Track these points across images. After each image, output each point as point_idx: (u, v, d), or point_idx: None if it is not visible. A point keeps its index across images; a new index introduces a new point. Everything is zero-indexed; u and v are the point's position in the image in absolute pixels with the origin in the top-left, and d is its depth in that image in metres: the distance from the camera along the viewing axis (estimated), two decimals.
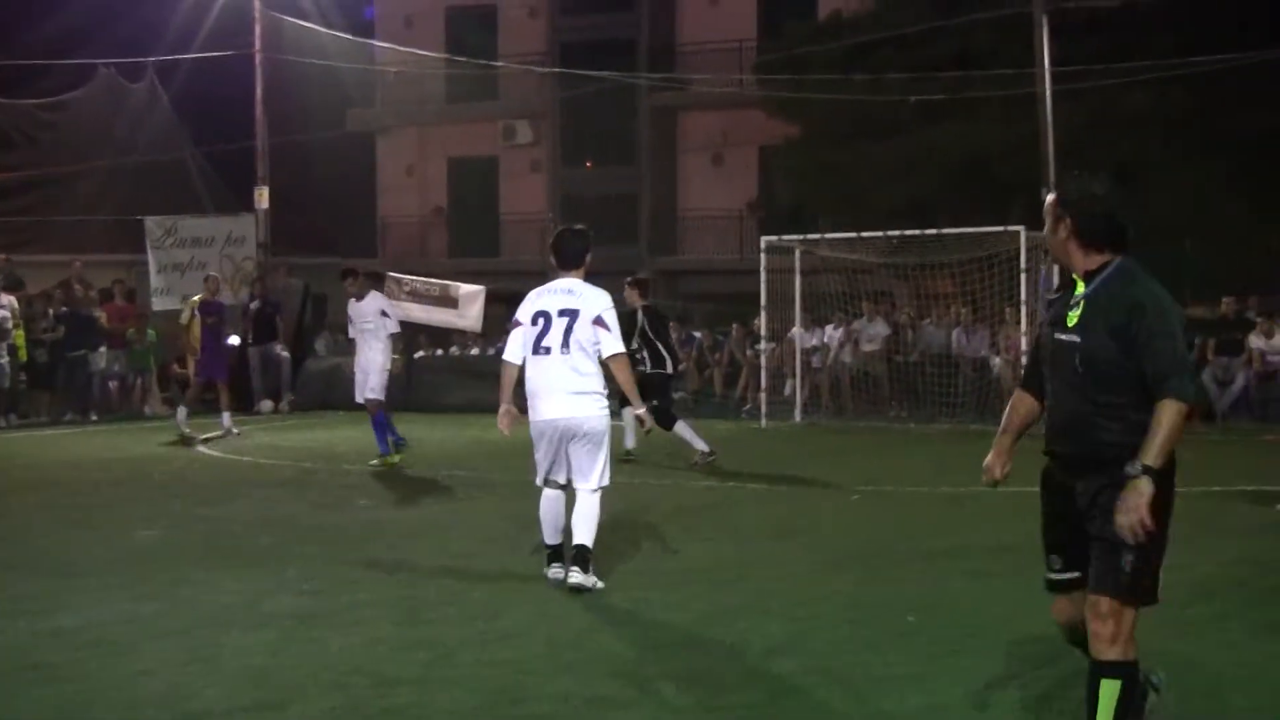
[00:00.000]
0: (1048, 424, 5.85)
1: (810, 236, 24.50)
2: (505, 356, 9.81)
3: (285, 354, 28.11)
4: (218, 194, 35.05)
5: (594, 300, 9.66)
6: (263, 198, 30.72)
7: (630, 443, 17.53)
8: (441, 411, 25.92)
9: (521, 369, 9.71)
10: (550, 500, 9.88)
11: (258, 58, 31.30)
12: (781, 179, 35.97)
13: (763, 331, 24.67)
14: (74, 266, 27.70)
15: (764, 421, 23.46)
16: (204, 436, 21.57)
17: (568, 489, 9.84)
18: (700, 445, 17.24)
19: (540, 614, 8.98)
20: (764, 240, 24.61)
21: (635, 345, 16.97)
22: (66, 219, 33.58)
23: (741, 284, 27.67)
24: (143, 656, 8.00)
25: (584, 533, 9.59)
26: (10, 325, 24.44)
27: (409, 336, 29.72)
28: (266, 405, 27.35)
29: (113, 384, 26.69)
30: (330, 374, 28.21)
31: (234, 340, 26.36)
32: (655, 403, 16.11)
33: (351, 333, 18.46)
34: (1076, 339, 5.63)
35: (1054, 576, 5.92)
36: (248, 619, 8.95)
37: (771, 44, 36.04)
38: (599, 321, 9.58)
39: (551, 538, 9.92)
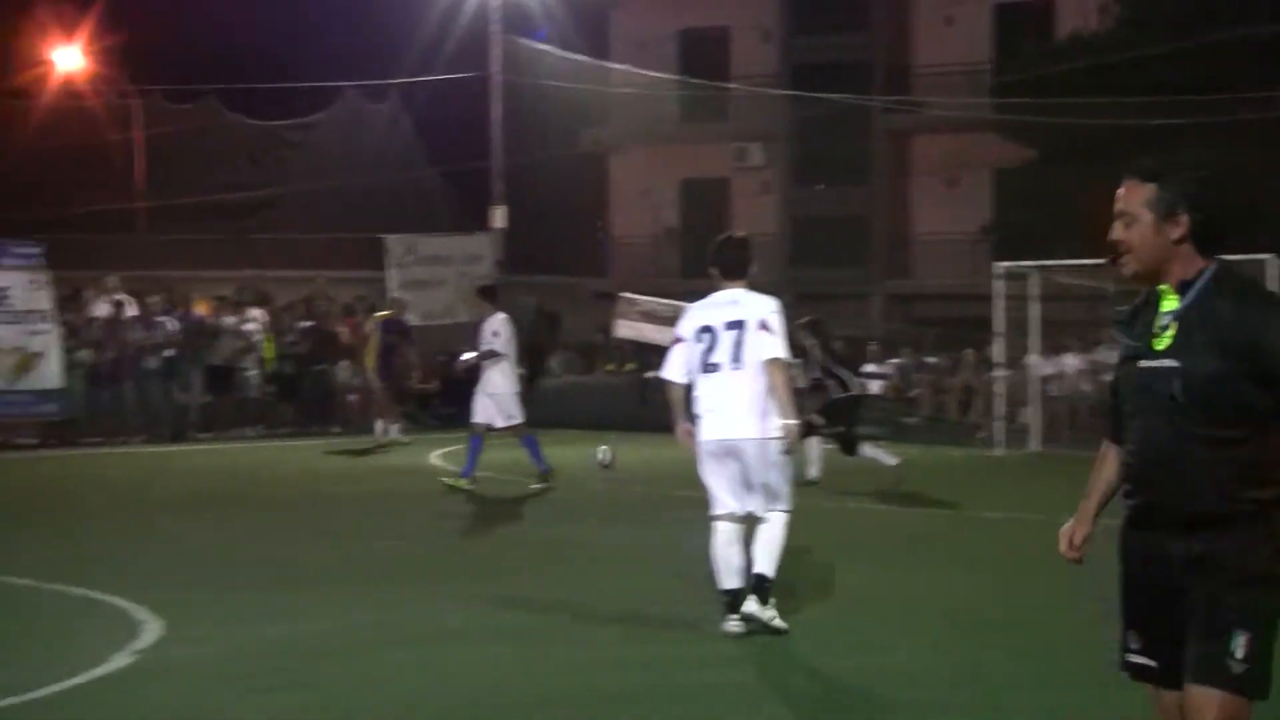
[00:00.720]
0: (1132, 469, 4.61)
1: (1047, 263, 24.09)
2: (667, 375, 9.23)
3: (520, 371, 28.50)
4: (455, 213, 35.85)
5: (758, 306, 9.00)
6: (499, 217, 31.29)
7: (814, 472, 17.23)
8: (670, 431, 25.93)
9: (689, 388, 9.08)
10: (726, 535, 8.97)
11: (495, 80, 31.94)
12: (1016, 203, 35.48)
13: (997, 358, 24.33)
14: (317, 282, 28.54)
15: (998, 449, 23.13)
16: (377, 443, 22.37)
17: (746, 522, 9.07)
18: (889, 460, 17.08)
19: (760, 638, 8.90)
20: (998, 266, 24.27)
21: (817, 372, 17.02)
22: (311, 236, 34.63)
23: (974, 309, 27.29)
24: (377, 665, 8.23)
25: (766, 561, 8.88)
26: (259, 338, 25.32)
27: (642, 357, 30.02)
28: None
29: (353, 398, 27.40)
30: (564, 392, 28.64)
31: (466, 357, 26.86)
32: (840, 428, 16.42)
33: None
34: (1174, 363, 4.43)
35: (1133, 660, 4.65)
36: (477, 632, 9.13)
37: (1008, 65, 35.64)
38: (763, 325, 8.88)
39: (730, 580, 8.91)
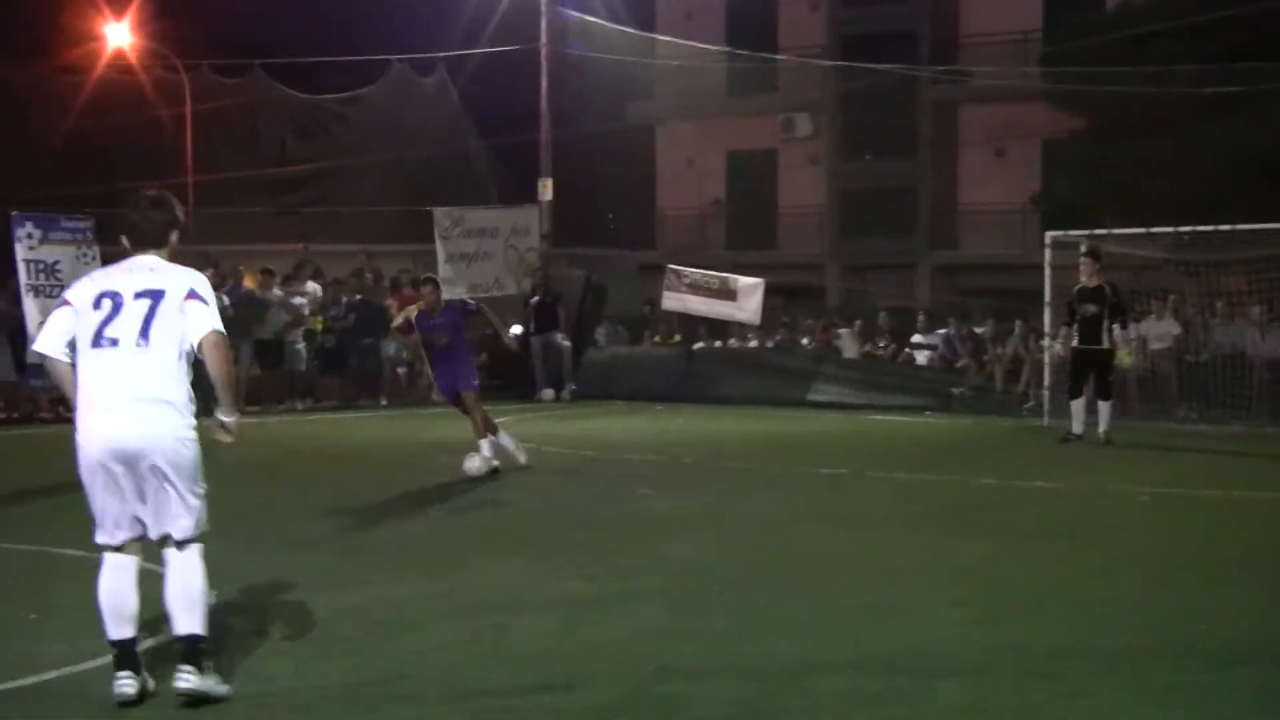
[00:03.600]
0: None
1: (1097, 232, 23.95)
2: (43, 349, 7.03)
3: (566, 343, 28.61)
4: (502, 186, 35.91)
5: (183, 274, 7.05)
6: (546, 189, 31.34)
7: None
8: (718, 403, 26.12)
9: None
10: (115, 570, 7.03)
11: (543, 52, 31.94)
12: (1065, 173, 35.27)
13: (1046, 328, 24.21)
14: (363, 256, 28.66)
15: (1046, 419, 23.03)
16: None
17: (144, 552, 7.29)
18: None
19: (818, 606, 8.98)
20: (1049, 236, 24.13)
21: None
22: (358, 209, 34.75)
23: (1023, 279, 27.14)
24: (432, 634, 8.32)
25: (191, 615, 6.99)
26: (308, 312, 25.47)
27: (689, 328, 30.01)
28: (548, 394, 27.85)
29: (401, 370, 27.52)
30: (611, 364, 28.71)
31: (517, 329, 26.94)
32: None
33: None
34: None
35: None
36: (530, 602, 9.18)
37: (1057, 34, 35.40)
38: (193, 294, 6.94)
39: (122, 629, 6.95)
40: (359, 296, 26.89)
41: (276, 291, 25.68)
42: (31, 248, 22.66)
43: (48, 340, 6.97)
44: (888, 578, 9.91)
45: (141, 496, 6.91)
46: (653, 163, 46.03)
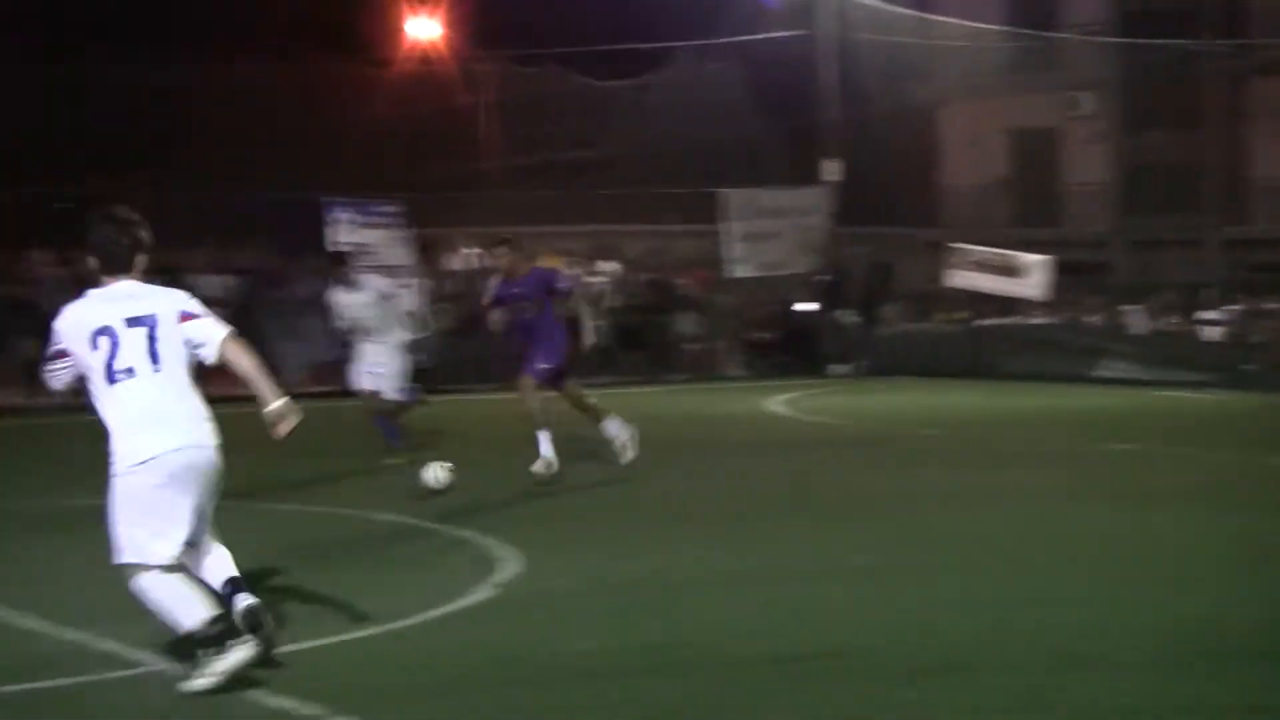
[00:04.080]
0: None
1: None
2: (57, 385, 7.08)
3: (854, 320, 29.15)
4: (783, 167, 36.54)
5: (167, 296, 7.06)
6: (833, 170, 31.86)
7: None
8: (1003, 379, 26.29)
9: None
10: (175, 577, 6.79)
11: (825, 35, 32.48)
12: None
13: None
14: (656, 236, 29.60)
15: None
16: None
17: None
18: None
19: (1098, 579, 8.93)
20: None
21: None
22: (649, 190, 35.71)
23: None
24: (728, 600, 8.51)
25: (228, 563, 7.00)
26: (608, 289, 26.57)
27: (975, 305, 30.25)
28: (839, 369, 28.48)
29: (694, 346, 28.38)
30: (899, 340, 29.21)
31: (801, 308, 27.61)
32: None
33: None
34: None
35: None
36: (821, 571, 9.33)
37: None
38: (185, 315, 6.96)
39: (204, 610, 6.67)
40: (654, 275, 27.86)
41: (573, 271, 26.86)
42: (348, 232, 24.31)
43: (56, 384, 7.04)
44: (1185, 555, 9.78)
45: (196, 504, 6.83)
46: (935, 141, 46.07)
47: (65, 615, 8.08)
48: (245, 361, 6.93)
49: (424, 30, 40.88)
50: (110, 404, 6.79)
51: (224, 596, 6.80)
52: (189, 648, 6.75)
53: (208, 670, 6.57)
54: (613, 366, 27.24)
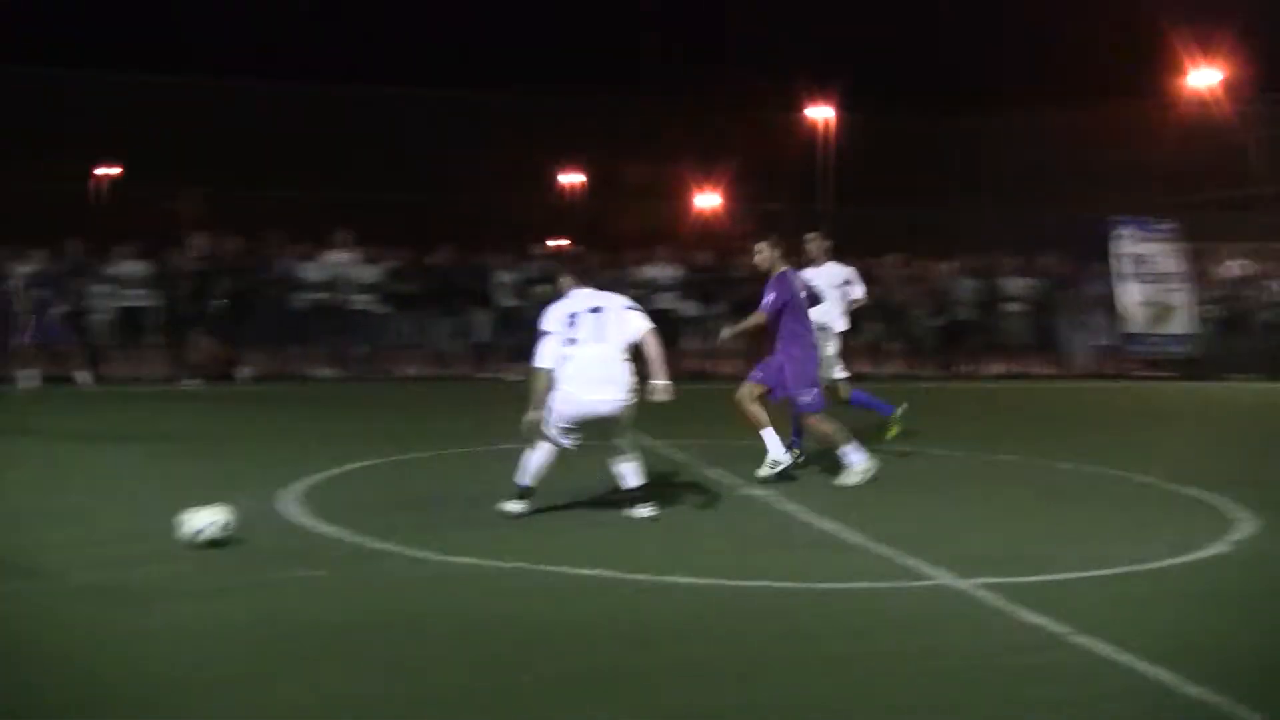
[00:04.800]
0: None
1: None
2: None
3: None
4: None
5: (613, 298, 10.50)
6: None
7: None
8: None
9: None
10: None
11: None
12: None
13: None
14: None
15: None
16: None
17: None
18: None
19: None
20: None
21: None
22: None
23: None
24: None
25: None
26: None
27: None
28: None
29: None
30: None
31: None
32: None
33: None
34: None
35: None
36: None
37: None
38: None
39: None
40: None
41: None
42: (1130, 245, 27.90)
43: (545, 359, 9.72)
44: None
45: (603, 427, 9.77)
46: None
47: (881, 536, 9.17)
48: (654, 348, 9.78)
49: (1204, 79, 42.46)
50: (567, 361, 9.90)
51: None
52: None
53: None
54: None
